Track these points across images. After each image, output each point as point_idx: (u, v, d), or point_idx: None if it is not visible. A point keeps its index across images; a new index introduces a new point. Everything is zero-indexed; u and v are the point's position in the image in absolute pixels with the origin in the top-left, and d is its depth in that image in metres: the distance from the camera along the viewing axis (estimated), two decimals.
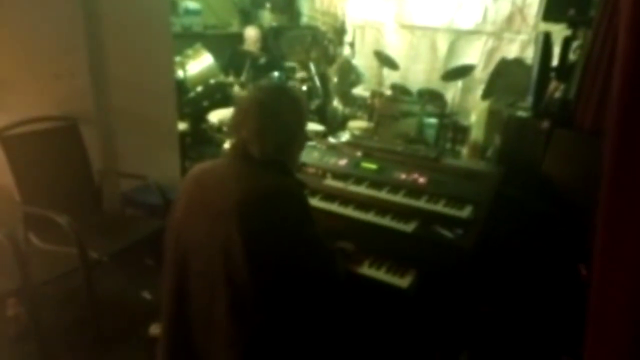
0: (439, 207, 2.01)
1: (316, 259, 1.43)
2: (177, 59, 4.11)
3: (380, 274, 1.83)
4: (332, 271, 1.51)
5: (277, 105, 1.38)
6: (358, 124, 4.72)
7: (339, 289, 1.56)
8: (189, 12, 4.64)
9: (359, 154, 2.45)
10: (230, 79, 4.23)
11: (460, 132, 4.56)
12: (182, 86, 4.13)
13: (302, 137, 1.49)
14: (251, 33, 4.69)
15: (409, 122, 4.57)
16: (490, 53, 4.70)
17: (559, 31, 3.46)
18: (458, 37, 4.86)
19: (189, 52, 4.30)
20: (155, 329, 2.18)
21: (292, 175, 1.48)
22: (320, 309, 1.47)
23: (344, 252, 1.82)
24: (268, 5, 5.29)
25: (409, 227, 1.94)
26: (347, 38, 5.46)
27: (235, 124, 1.40)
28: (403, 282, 1.79)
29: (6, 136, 2.22)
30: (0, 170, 2.24)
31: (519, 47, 4.53)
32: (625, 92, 1.11)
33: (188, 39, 4.53)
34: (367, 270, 1.85)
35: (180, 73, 4.11)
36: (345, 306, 1.74)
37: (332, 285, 1.52)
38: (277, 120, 1.37)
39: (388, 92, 4.67)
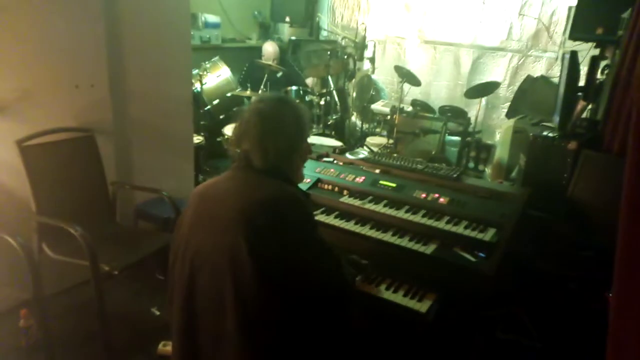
0: (461, 229, 1.96)
1: (322, 264, 1.42)
2: (195, 71, 4.13)
3: (398, 298, 1.78)
4: (339, 276, 1.48)
5: (277, 115, 1.40)
6: (377, 140, 4.68)
7: (348, 297, 1.54)
8: (208, 25, 4.67)
9: (377, 171, 2.42)
10: (248, 92, 4.24)
11: (483, 150, 4.47)
12: (198, 99, 4.15)
13: (304, 147, 1.50)
14: (269, 49, 4.72)
15: (430, 139, 4.51)
16: (515, 70, 4.62)
17: (586, 50, 3.39)
18: (482, 53, 4.80)
19: (207, 65, 4.33)
20: (164, 346, 2.16)
21: (295, 185, 1.50)
22: (330, 319, 1.45)
23: (356, 263, 1.80)
24: (287, 19, 5.32)
25: (428, 249, 1.90)
26: (367, 53, 5.44)
27: (237, 136, 1.42)
28: (422, 306, 1.74)
29: (25, 146, 2.24)
30: (18, 179, 2.25)
31: (545, 65, 4.45)
32: None
33: (206, 52, 4.57)
34: (384, 293, 1.80)
35: (197, 86, 4.13)
36: (361, 327, 1.69)
37: (341, 291, 1.50)
38: (277, 130, 1.39)
39: (409, 108, 4.63)
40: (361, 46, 5.44)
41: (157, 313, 2.48)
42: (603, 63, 2.83)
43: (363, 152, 2.75)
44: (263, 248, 1.27)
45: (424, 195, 2.17)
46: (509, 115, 4.27)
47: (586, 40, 3.12)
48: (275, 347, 1.32)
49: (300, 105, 1.52)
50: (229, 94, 4.36)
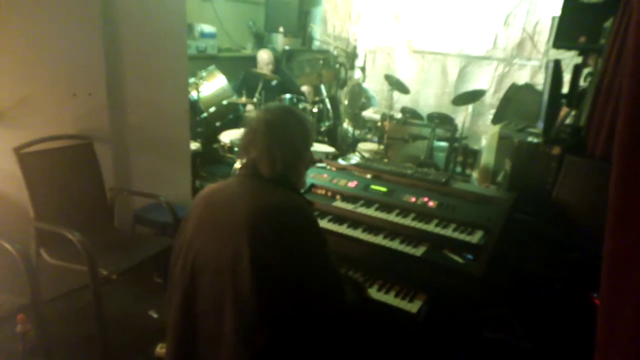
0: (449, 232, 2.00)
1: (323, 277, 1.42)
2: (192, 80, 4.19)
3: (390, 298, 1.82)
4: (338, 293, 1.48)
5: (285, 124, 1.43)
6: (368, 147, 4.74)
7: (346, 315, 1.52)
8: (204, 35, 4.74)
9: (368, 176, 2.45)
10: (243, 100, 4.30)
11: (470, 156, 4.56)
12: (195, 107, 4.21)
13: (309, 156, 1.54)
14: (264, 56, 4.78)
15: (419, 145, 4.58)
16: (501, 78, 4.73)
17: (569, 58, 3.49)
18: (469, 62, 4.90)
19: (203, 73, 4.38)
20: (161, 349, 2.17)
21: (300, 193, 1.52)
22: (327, 332, 1.45)
23: (356, 284, 1.81)
24: (281, 29, 5.40)
25: (418, 251, 1.93)
26: (358, 62, 5.54)
27: (244, 145, 1.45)
28: (412, 306, 1.78)
29: (23, 153, 2.26)
30: (16, 186, 2.27)
31: (530, 73, 4.55)
32: (629, 126, 1.11)
33: (203, 61, 4.62)
34: (376, 294, 1.84)
35: (194, 94, 4.19)
36: (354, 330, 1.73)
37: (340, 302, 1.49)
38: (285, 139, 1.42)
39: (398, 116, 4.71)
40: (352, 56, 5.55)
41: (155, 316, 2.49)
42: (586, 70, 2.88)
43: (355, 158, 2.80)
44: (265, 255, 1.28)
45: (413, 199, 2.21)
46: (494, 121, 4.35)
47: (569, 49, 3.18)
48: (271, 353, 1.32)
49: (306, 115, 1.55)
50: (224, 102, 4.42)
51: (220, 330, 1.32)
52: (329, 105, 4.95)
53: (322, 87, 4.94)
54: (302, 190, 1.62)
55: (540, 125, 2.76)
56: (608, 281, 1.18)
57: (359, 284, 1.82)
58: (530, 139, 2.66)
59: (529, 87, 4.31)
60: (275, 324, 1.31)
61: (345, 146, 5.13)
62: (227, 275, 1.29)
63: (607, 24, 2.59)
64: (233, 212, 1.34)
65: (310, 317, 1.39)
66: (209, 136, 4.31)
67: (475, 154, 4.54)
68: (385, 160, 4.30)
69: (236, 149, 3.79)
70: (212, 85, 4.41)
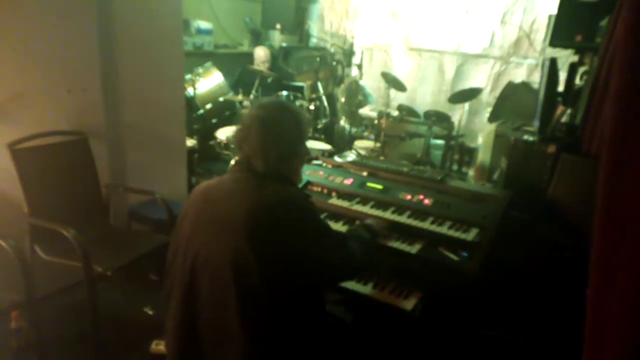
0: (444, 230, 2.00)
1: (331, 266, 1.45)
2: (188, 76, 4.18)
3: (385, 296, 1.82)
4: (349, 263, 1.54)
5: (278, 119, 1.43)
6: (364, 144, 4.75)
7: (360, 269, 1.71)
8: (201, 31, 4.74)
9: (364, 173, 2.45)
10: (240, 97, 4.30)
11: (467, 154, 4.58)
12: (191, 103, 4.20)
13: (303, 150, 1.54)
14: (260, 53, 4.78)
15: (415, 142, 4.59)
16: (497, 77, 4.74)
17: (565, 56, 3.50)
18: (465, 60, 4.91)
19: (200, 70, 4.38)
20: (156, 345, 2.18)
21: (296, 186, 1.53)
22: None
23: (371, 230, 1.85)
24: (278, 26, 5.40)
25: (413, 249, 1.93)
26: (355, 59, 5.53)
27: (238, 140, 1.45)
28: (407, 304, 1.78)
29: (17, 149, 2.25)
30: (10, 182, 2.26)
31: (526, 71, 4.57)
32: (618, 120, 1.11)
33: (199, 58, 4.62)
34: (371, 291, 1.84)
35: (190, 91, 4.18)
36: (349, 324, 1.74)
37: (350, 274, 1.69)
38: (278, 134, 1.41)
39: (395, 113, 4.71)
40: (349, 53, 5.54)
41: (150, 313, 2.49)
42: (582, 69, 2.91)
43: (351, 155, 2.80)
44: (267, 250, 1.29)
45: (409, 196, 2.20)
46: (491, 119, 4.36)
47: (566, 47, 3.18)
48: (280, 347, 1.34)
49: (299, 109, 1.55)
50: (221, 99, 4.42)
51: (224, 327, 1.32)
52: (325, 103, 4.95)
53: (319, 85, 4.93)
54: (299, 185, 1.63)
55: (536, 124, 2.76)
56: (596, 279, 1.19)
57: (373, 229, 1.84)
58: (526, 137, 2.66)
59: (525, 86, 4.32)
60: (283, 319, 1.32)
61: (342, 143, 5.14)
62: (229, 272, 1.29)
63: (604, 22, 2.59)
64: (231, 209, 1.34)
65: (320, 309, 1.41)
66: (205, 133, 4.31)
67: (471, 152, 4.56)
68: (382, 157, 4.31)
69: (232, 145, 3.79)
70: (208, 82, 4.41)
